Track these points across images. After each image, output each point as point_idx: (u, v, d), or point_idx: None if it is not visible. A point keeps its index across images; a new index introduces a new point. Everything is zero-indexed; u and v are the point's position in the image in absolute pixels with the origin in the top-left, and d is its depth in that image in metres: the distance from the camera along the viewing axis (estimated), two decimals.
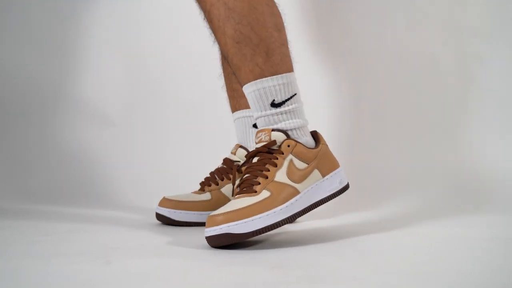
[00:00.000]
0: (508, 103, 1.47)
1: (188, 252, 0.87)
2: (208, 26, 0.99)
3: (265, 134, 0.93)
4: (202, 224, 1.12)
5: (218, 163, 1.25)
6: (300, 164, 0.92)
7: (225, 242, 0.85)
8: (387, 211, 1.25)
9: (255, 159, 0.93)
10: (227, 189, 1.18)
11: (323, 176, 0.95)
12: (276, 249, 0.86)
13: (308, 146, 0.95)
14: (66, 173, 1.76)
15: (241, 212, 0.85)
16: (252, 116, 1.18)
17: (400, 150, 1.54)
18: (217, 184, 1.18)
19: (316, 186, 0.93)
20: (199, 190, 1.20)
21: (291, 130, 0.94)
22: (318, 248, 0.88)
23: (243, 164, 1.11)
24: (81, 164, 1.80)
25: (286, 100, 0.94)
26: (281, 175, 0.90)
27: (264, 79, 0.93)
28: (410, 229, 1.05)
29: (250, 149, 1.20)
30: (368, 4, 1.63)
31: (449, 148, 1.49)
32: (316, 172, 0.94)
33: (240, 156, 1.20)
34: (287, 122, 0.94)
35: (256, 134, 0.95)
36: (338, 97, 1.66)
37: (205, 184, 1.19)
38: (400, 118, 1.58)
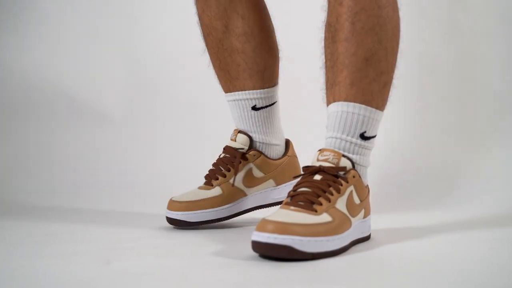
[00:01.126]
0: (508, 103, 1.46)
1: (188, 252, 0.87)
2: (329, 22, 0.92)
3: (333, 156, 0.87)
4: (219, 220, 1.09)
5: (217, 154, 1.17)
6: (356, 199, 0.88)
7: (276, 254, 0.77)
8: (386, 211, 1.25)
9: (317, 177, 0.86)
10: (236, 179, 1.11)
11: (364, 217, 0.92)
12: None
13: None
14: (65, 173, 1.76)
15: (306, 229, 0.78)
16: (251, 99, 1.12)
17: (399, 150, 1.54)
18: (224, 176, 1.11)
19: (358, 225, 0.90)
20: (204, 184, 1.12)
21: (358, 165, 0.90)
22: None
23: (248, 150, 1.10)
24: (80, 164, 1.79)
25: (372, 137, 0.91)
26: (341, 204, 0.85)
27: (369, 107, 0.89)
28: (410, 229, 1.05)
29: (253, 134, 1.13)
30: None
31: (448, 148, 1.49)
32: (362, 212, 0.91)
33: (241, 142, 1.12)
34: (361, 157, 0.90)
35: (322, 151, 0.88)
36: None
37: (211, 178, 1.12)
38: (400, 118, 1.58)
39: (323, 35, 0.95)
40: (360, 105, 0.88)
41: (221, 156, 1.13)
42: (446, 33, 1.54)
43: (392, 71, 0.92)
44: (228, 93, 1.15)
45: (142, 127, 1.85)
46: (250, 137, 1.12)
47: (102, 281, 0.69)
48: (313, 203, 0.82)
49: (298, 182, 0.87)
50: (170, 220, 1.08)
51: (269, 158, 1.14)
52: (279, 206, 0.84)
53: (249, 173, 1.12)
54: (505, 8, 1.48)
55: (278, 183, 1.15)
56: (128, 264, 0.79)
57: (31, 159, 1.82)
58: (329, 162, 0.87)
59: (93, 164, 1.78)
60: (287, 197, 0.85)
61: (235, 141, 1.13)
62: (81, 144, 1.83)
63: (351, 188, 0.87)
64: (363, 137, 0.89)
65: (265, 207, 1.15)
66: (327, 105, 0.93)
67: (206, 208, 1.08)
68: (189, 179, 1.49)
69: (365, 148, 0.90)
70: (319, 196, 0.83)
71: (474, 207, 1.27)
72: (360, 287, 0.66)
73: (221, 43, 1.12)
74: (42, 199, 1.58)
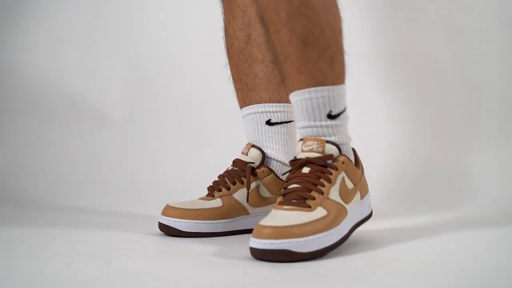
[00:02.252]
0: (508, 103, 1.46)
1: (188, 252, 0.87)
2: (258, 13, 0.89)
3: (318, 144, 0.85)
4: (213, 235, 1.02)
5: (226, 165, 1.12)
6: (349, 184, 0.87)
7: (280, 259, 0.76)
8: (386, 212, 1.25)
9: (305, 169, 0.85)
10: (240, 194, 1.05)
11: (361, 198, 0.91)
12: None
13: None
14: (65, 173, 1.76)
15: (302, 229, 0.77)
16: (265, 112, 1.08)
17: (399, 150, 1.54)
18: (229, 189, 1.04)
19: (356, 208, 0.89)
20: (207, 195, 1.06)
21: (342, 144, 0.88)
22: None
23: (259, 166, 1.04)
24: (81, 164, 1.79)
25: (341, 113, 0.88)
26: (334, 193, 0.83)
27: (325, 87, 0.86)
28: (410, 229, 1.05)
29: (266, 149, 1.08)
30: (369, 4, 1.63)
31: (448, 148, 1.49)
32: (358, 194, 0.89)
33: (253, 157, 1.06)
34: (340, 136, 0.88)
35: (305, 141, 0.87)
36: None
37: (214, 189, 1.05)
38: (399, 118, 1.58)
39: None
40: (316, 88, 0.86)
41: (229, 169, 1.07)
42: (446, 33, 1.54)
43: (335, 43, 0.88)
44: (244, 108, 1.11)
45: (142, 127, 1.85)
46: (263, 153, 1.07)
47: (102, 281, 0.69)
48: (305, 199, 0.81)
49: (288, 178, 0.86)
50: (162, 226, 1.02)
51: (280, 178, 1.07)
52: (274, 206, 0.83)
53: (255, 191, 1.05)
54: (505, 8, 1.48)
55: None
56: (128, 264, 0.79)
57: (31, 159, 1.82)
58: (314, 151, 0.85)
59: (93, 164, 1.78)
60: (279, 195, 0.84)
61: (247, 154, 1.07)
62: (81, 144, 1.84)
63: (342, 174, 0.86)
64: (330, 116, 0.87)
65: None
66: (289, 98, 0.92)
67: (201, 219, 1.01)
68: (190, 179, 1.50)
69: (338, 126, 0.88)
70: (310, 190, 0.82)
71: (474, 207, 1.27)
72: (359, 287, 0.66)
73: (242, 53, 1.11)
74: (42, 199, 1.58)
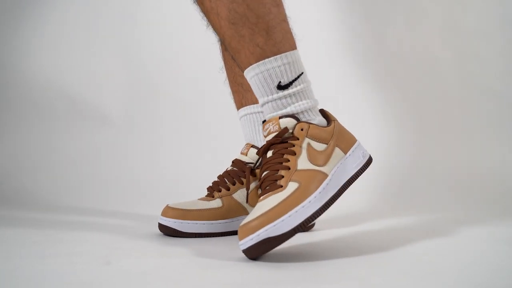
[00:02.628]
0: (508, 103, 1.46)
1: (188, 252, 0.87)
2: (200, 9, 0.91)
3: (273, 124, 0.85)
4: (213, 235, 1.02)
5: (225, 166, 1.13)
6: (319, 146, 0.85)
7: (266, 249, 0.76)
8: (386, 212, 1.25)
9: (269, 153, 0.84)
10: (239, 194, 1.04)
11: (345, 153, 0.88)
12: (276, 250, 0.86)
13: (322, 126, 0.88)
14: (66, 174, 1.76)
15: (275, 211, 0.76)
16: (262, 112, 1.08)
17: (399, 150, 1.54)
18: (228, 189, 1.04)
19: (342, 165, 0.86)
20: (206, 196, 1.06)
21: (302, 112, 0.86)
22: (318, 248, 0.88)
23: (257, 164, 1.03)
24: (81, 164, 1.79)
25: (293, 81, 0.86)
26: (303, 162, 0.82)
27: (267, 60, 0.85)
28: (410, 229, 1.05)
29: None
30: (368, 4, 1.63)
31: (448, 148, 1.49)
32: (337, 151, 0.86)
33: (252, 157, 1.07)
34: (296, 104, 0.86)
35: (263, 127, 0.86)
36: (336, 96, 1.66)
37: (214, 189, 1.05)
38: (399, 118, 1.58)
39: None
40: (257, 63, 0.85)
41: (229, 169, 1.07)
42: (446, 33, 1.54)
43: (266, 13, 0.86)
44: (241, 109, 1.11)
45: (142, 127, 1.85)
46: None
47: (102, 281, 0.69)
48: (276, 180, 0.81)
49: (260, 171, 0.85)
50: (162, 227, 1.02)
51: None
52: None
53: (255, 191, 1.04)
54: (505, 8, 1.48)
55: None
56: (128, 264, 0.79)
57: (31, 159, 1.82)
58: (272, 132, 0.85)
59: (93, 164, 1.79)
60: (256, 188, 0.84)
61: (246, 155, 1.07)
62: (82, 144, 1.84)
63: (307, 141, 0.84)
64: (280, 87, 0.86)
65: None
66: None
67: (201, 220, 1.01)
68: (189, 179, 1.50)
69: (293, 95, 0.86)
70: (277, 170, 0.81)
71: (474, 207, 1.27)
72: (359, 287, 0.66)
73: None
74: (43, 199, 1.58)
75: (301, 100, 0.87)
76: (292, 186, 0.79)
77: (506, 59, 1.48)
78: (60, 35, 1.94)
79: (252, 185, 1.05)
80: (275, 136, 0.84)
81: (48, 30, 1.94)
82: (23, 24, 1.94)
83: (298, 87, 0.86)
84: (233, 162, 1.08)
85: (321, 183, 0.81)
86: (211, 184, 1.08)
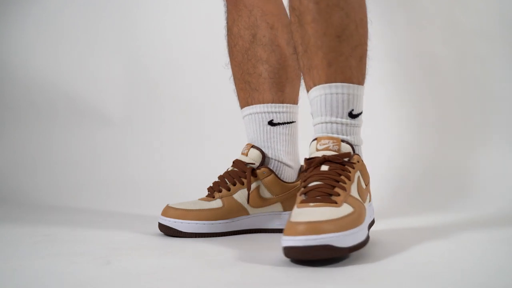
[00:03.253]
0: (508, 103, 1.46)
1: (188, 252, 0.87)
2: (289, 2, 0.88)
3: (333, 143, 0.84)
4: (213, 235, 1.01)
5: (226, 166, 1.12)
6: (363, 183, 0.86)
7: (321, 256, 0.72)
8: (386, 212, 1.25)
9: (324, 167, 0.82)
10: (240, 195, 1.04)
11: (370, 200, 0.90)
12: (276, 250, 0.86)
13: None
14: (66, 174, 1.76)
15: (338, 223, 0.73)
16: (268, 112, 1.07)
17: (399, 150, 1.54)
18: (229, 190, 1.04)
19: (368, 208, 0.88)
20: (207, 196, 1.05)
21: (357, 146, 0.88)
22: None
23: (259, 167, 1.03)
24: (81, 164, 1.79)
25: (359, 114, 0.88)
26: (354, 191, 0.81)
27: (351, 84, 0.86)
28: (410, 229, 1.05)
29: (267, 150, 1.07)
30: (368, 4, 1.62)
31: (448, 148, 1.49)
32: (368, 195, 0.88)
33: (253, 158, 1.06)
34: (357, 136, 0.87)
35: (319, 140, 0.85)
36: None
37: (214, 190, 1.05)
38: (400, 118, 1.58)
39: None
40: (343, 83, 0.86)
41: (229, 170, 1.07)
42: (446, 33, 1.54)
43: (365, 42, 0.89)
44: (245, 107, 1.10)
45: (142, 127, 1.85)
46: (263, 153, 1.06)
47: (102, 281, 0.69)
48: (330, 195, 0.78)
49: (305, 176, 0.83)
50: (162, 227, 1.01)
51: (280, 179, 1.06)
52: (295, 205, 0.79)
53: (255, 191, 1.04)
54: (505, 8, 1.48)
55: (285, 208, 1.07)
56: (128, 264, 0.79)
57: (31, 159, 1.82)
58: (330, 150, 0.84)
59: (93, 164, 1.79)
60: (299, 194, 0.81)
61: (247, 155, 1.06)
62: (82, 144, 1.84)
63: (358, 173, 0.84)
64: (351, 115, 0.87)
65: (265, 232, 1.07)
66: (308, 91, 0.90)
67: (201, 220, 1.00)
68: (190, 179, 1.50)
69: (356, 127, 0.88)
70: (333, 187, 0.80)
71: (474, 207, 1.27)
72: (360, 287, 0.66)
73: (246, 53, 1.10)
74: (42, 199, 1.58)
75: (359, 135, 0.89)
76: (347, 208, 0.77)
77: (506, 59, 1.48)
78: (60, 35, 1.94)
79: (253, 186, 1.04)
80: (337, 155, 0.83)
81: (48, 30, 1.94)
82: (23, 24, 1.94)
83: (360, 122, 0.89)
84: (233, 162, 1.07)
85: (365, 217, 0.81)
86: (211, 185, 1.07)
